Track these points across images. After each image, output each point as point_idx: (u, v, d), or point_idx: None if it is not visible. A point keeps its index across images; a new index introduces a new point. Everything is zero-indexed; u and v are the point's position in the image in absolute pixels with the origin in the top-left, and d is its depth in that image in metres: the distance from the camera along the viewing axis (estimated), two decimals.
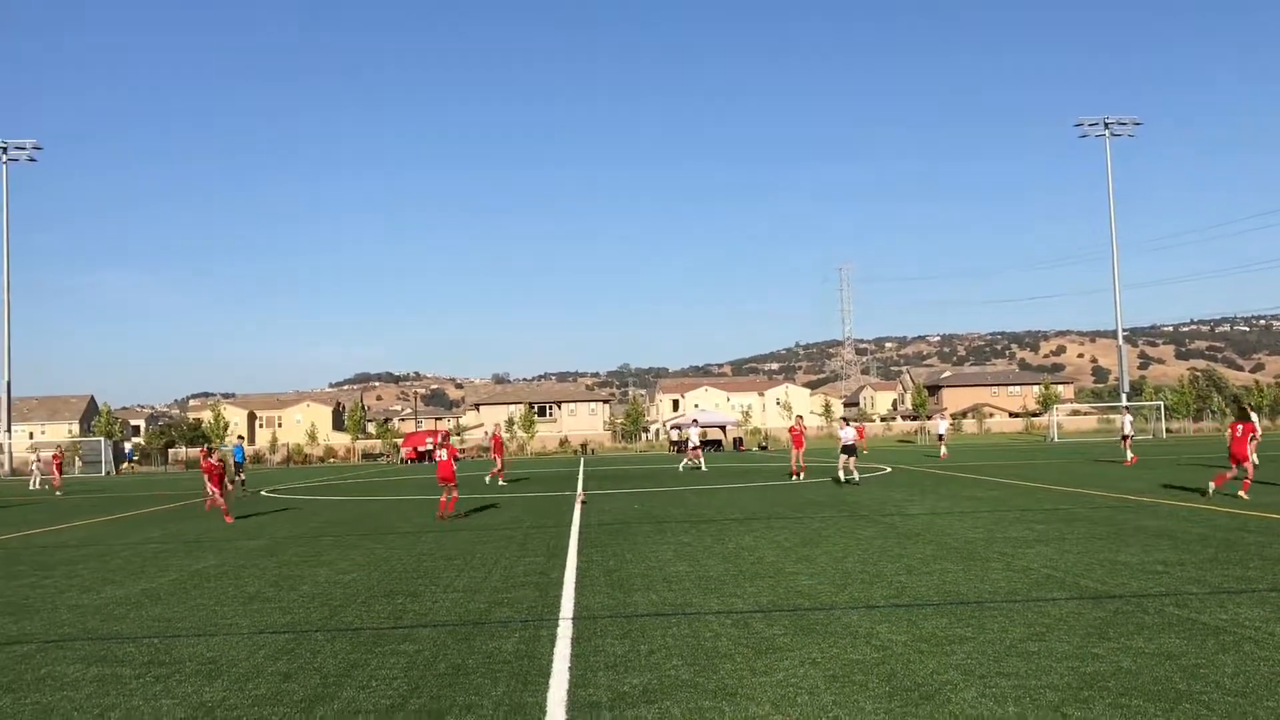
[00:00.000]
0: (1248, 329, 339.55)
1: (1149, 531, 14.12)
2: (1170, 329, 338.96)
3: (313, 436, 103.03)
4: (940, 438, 44.49)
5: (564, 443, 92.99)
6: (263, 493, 34.04)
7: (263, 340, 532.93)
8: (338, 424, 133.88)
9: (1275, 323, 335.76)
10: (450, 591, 10.84)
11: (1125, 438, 32.23)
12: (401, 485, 35.87)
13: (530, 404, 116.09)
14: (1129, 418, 32.95)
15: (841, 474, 27.01)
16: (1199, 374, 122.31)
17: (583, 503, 22.23)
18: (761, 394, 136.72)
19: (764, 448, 73.19)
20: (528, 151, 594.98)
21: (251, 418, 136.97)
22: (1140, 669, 6.73)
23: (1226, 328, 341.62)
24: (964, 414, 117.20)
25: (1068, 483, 24.89)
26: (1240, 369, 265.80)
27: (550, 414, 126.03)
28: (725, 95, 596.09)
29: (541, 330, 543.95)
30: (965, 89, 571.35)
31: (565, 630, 8.56)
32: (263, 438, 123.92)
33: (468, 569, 12.49)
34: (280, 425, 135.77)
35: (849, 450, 27.57)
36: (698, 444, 41.52)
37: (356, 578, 12.17)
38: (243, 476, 35.40)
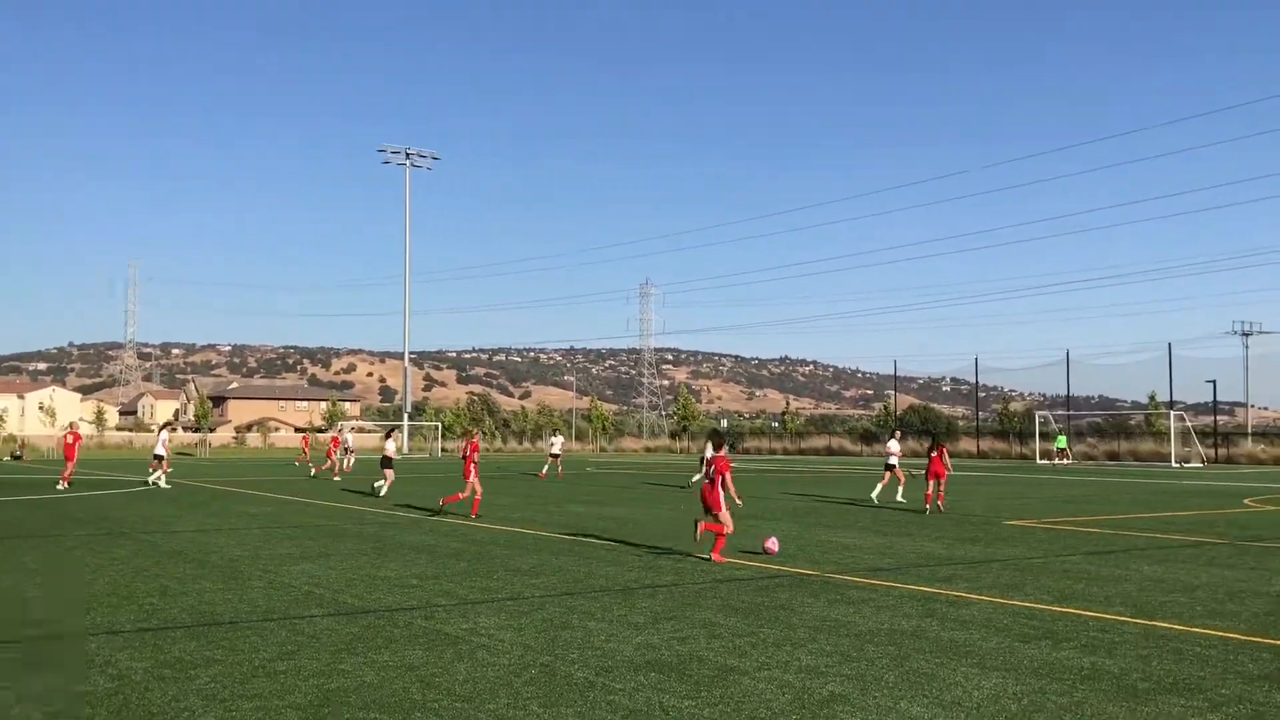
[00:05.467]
0: (520, 359, 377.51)
1: (411, 546, 14.97)
2: (454, 354, 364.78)
3: None
4: (556, 457, 46.23)
5: None
6: None
7: None
8: None
9: (542, 355, 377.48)
10: None
11: (890, 468, 26.51)
12: None
13: None
14: (897, 444, 26.53)
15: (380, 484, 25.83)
16: (476, 398, 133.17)
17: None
18: (22, 396, 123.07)
19: (18, 457, 65.85)
20: None
21: None
22: (382, 682, 7.03)
23: (502, 357, 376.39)
24: (249, 428, 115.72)
25: (341, 499, 25.56)
26: (511, 395, 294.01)
27: None
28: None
29: None
30: (272, 105, 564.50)
31: None
32: None
33: None
34: None
35: (388, 463, 26.58)
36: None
37: None
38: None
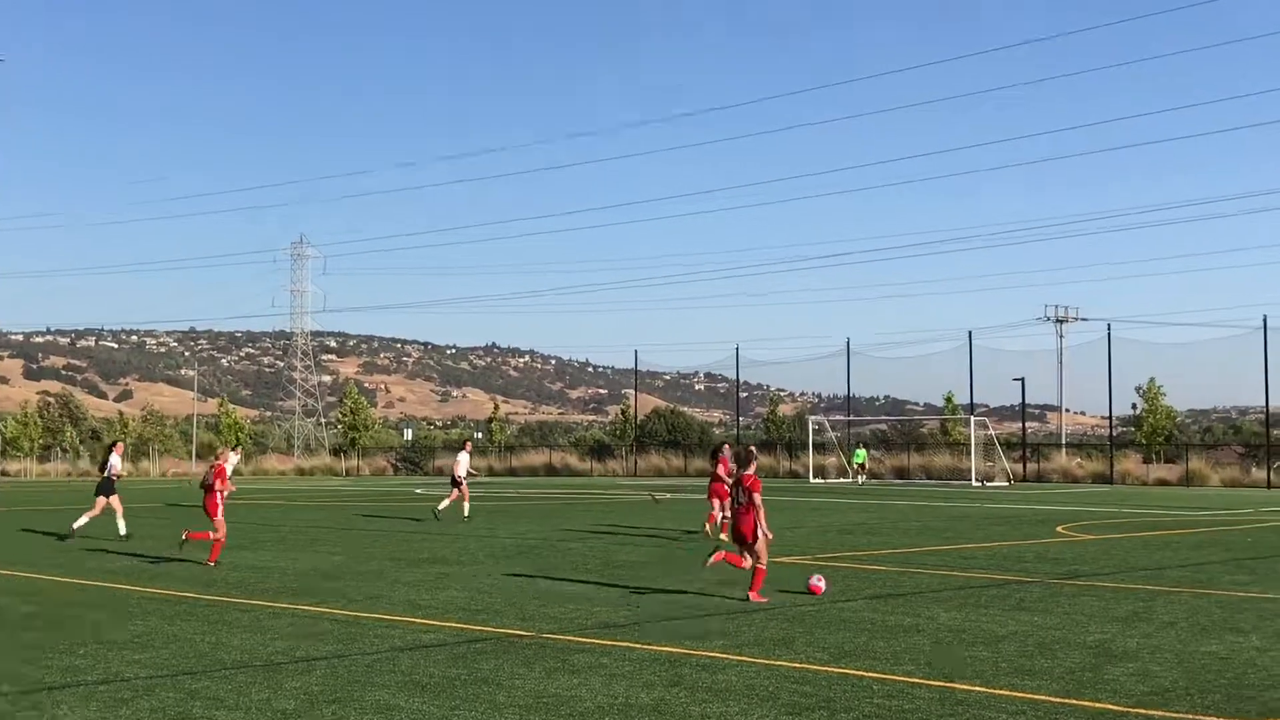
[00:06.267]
0: (116, 345, 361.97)
1: None
2: (19, 338, 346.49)
3: None
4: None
5: None
6: None
7: None
8: None
9: (150, 340, 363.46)
10: None
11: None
12: None
13: None
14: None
15: None
16: (51, 400, 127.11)
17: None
18: None
19: None
20: None
21: None
22: None
23: (91, 341, 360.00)
24: None
25: None
26: (104, 396, 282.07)
27: None
28: None
29: None
30: None
31: None
32: None
33: None
34: None
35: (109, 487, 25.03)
36: None
37: None
38: None
